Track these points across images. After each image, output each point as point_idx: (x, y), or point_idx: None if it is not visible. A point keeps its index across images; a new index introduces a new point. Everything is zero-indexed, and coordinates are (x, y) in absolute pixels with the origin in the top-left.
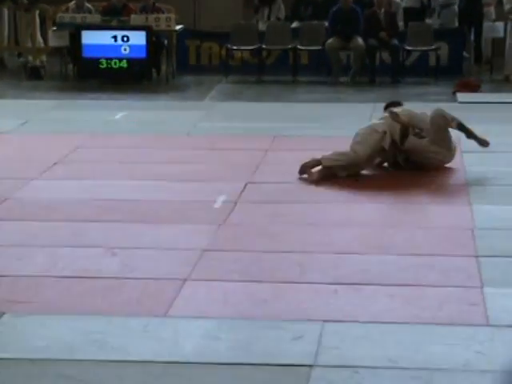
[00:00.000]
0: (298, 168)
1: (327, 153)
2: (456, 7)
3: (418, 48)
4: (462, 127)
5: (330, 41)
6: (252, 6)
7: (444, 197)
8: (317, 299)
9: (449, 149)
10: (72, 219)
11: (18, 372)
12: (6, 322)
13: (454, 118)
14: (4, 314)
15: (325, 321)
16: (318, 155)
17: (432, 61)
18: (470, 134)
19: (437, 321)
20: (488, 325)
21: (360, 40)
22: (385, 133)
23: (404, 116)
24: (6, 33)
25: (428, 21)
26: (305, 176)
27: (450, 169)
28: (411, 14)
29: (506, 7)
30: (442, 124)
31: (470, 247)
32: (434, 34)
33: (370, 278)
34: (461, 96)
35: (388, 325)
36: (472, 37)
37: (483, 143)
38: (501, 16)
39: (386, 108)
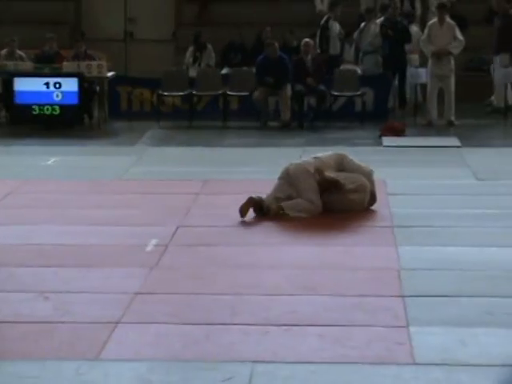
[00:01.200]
0: (228, 211)
1: (260, 194)
2: (379, 54)
3: (345, 93)
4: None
5: (256, 93)
6: (192, 54)
7: (370, 238)
8: (247, 340)
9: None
10: (4, 264)
11: None
12: None
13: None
14: None
15: (255, 361)
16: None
17: (358, 106)
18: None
19: (364, 360)
20: (414, 363)
21: (288, 88)
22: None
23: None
24: None
25: (348, 66)
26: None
27: (375, 211)
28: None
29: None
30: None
31: (395, 287)
32: (360, 80)
33: (299, 319)
34: (386, 140)
35: (317, 365)
36: (396, 82)
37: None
38: (424, 62)
39: None
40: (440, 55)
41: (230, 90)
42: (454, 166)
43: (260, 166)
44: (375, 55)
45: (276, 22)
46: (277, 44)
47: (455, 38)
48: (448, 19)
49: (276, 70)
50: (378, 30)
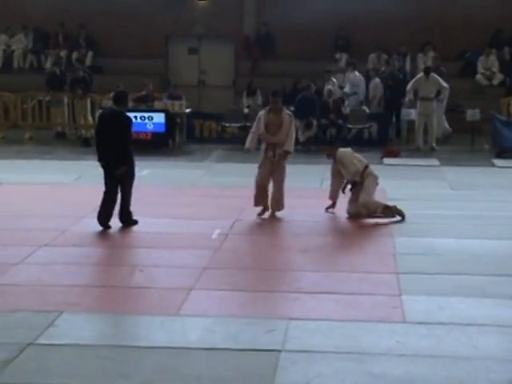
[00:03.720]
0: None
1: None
2: (356, 96)
3: (357, 126)
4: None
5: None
6: (246, 97)
7: (374, 231)
8: (284, 303)
9: None
10: (112, 246)
11: (70, 354)
12: (65, 318)
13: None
14: (63, 312)
15: (290, 319)
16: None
17: (366, 135)
18: None
19: (369, 319)
20: (404, 322)
21: (315, 121)
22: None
23: None
24: (66, 114)
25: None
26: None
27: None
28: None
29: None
30: None
31: (392, 266)
32: (368, 117)
33: (321, 288)
34: (386, 160)
35: (334, 322)
36: (394, 119)
37: None
38: (413, 105)
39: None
40: (425, 99)
41: None
42: (435, 179)
43: (294, 177)
44: (355, 96)
45: (305, 74)
46: (313, 85)
47: (442, 86)
48: (432, 74)
49: (309, 107)
50: (356, 78)
